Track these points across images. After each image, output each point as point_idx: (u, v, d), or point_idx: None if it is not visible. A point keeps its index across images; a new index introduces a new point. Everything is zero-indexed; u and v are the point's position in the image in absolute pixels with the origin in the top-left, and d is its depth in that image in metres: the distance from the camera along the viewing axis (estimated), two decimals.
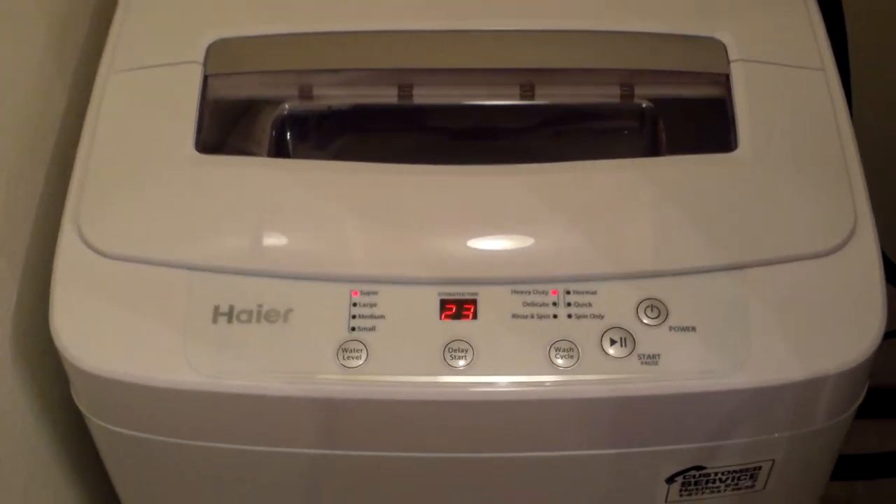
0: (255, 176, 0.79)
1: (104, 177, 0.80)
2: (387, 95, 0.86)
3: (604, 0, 0.88)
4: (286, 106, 0.85)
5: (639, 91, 0.86)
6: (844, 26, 0.94)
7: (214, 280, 0.75)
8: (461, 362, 0.73)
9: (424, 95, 0.86)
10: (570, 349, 0.73)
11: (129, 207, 0.78)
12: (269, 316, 0.74)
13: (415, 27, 0.87)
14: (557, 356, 0.73)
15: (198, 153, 0.80)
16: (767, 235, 0.77)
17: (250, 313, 0.75)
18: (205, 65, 0.85)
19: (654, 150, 0.85)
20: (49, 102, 0.87)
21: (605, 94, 0.86)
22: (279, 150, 0.85)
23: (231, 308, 0.75)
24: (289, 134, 0.87)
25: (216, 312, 0.75)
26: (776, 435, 0.77)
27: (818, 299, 0.75)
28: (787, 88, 0.84)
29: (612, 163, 0.79)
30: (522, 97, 0.86)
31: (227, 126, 0.83)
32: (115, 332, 0.75)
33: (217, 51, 0.86)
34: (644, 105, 0.85)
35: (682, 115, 0.85)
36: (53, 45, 0.87)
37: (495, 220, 0.77)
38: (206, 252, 0.76)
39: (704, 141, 0.83)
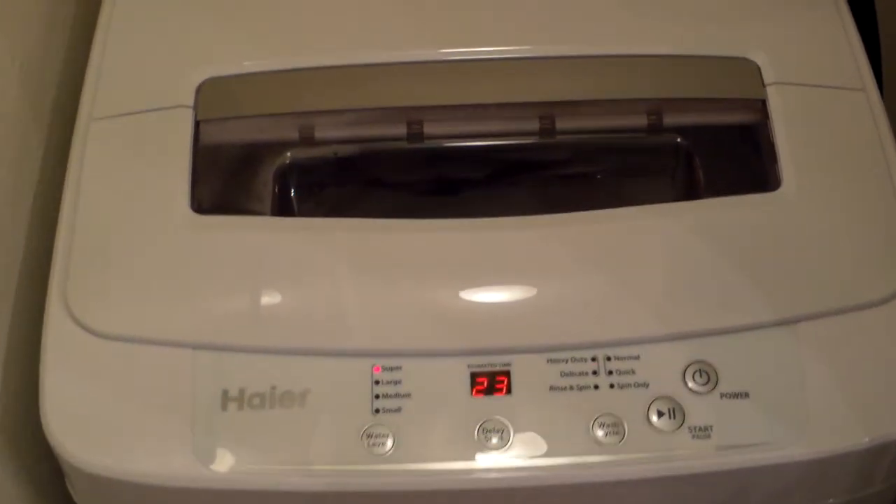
0: (259, 239, 0.72)
1: (92, 244, 0.72)
2: (396, 136, 0.78)
3: (624, 20, 0.81)
4: (288, 154, 0.77)
5: (667, 120, 0.79)
6: (879, 42, 0.87)
7: (221, 360, 0.69)
8: (496, 443, 0.67)
9: (437, 136, 0.78)
10: (615, 424, 0.67)
11: (122, 280, 0.71)
12: (284, 400, 0.68)
13: (423, 58, 0.80)
14: (601, 432, 0.67)
15: (194, 213, 0.73)
16: (819, 284, 0.71)
17: (263, 397, 0.68)
18: (195, 109, 0.77)
19: (690, 190, 0.78)
20: (26, 153, 0.79)
21: (631, 124, 0.79)
22: (283, 204, 0.78)
23: (241, 391, 0.68)
24: (293, 186, 0.79)
25: (225, 397, 0.68)
26: (831, 501, 0.72)
27: (877, 353, 0.70)
28: (828, 113, 0.78)
29: (647, 210, 0.73)
30: (542, 131, 0.79)
31: (224, 179, 0.76)
32: (112, 423, 0.68)
33: (208, 92, 0.78)
34: (678, 140, 0.78)
35: (718, 149, 0.78)
36: (28, 92, 0.79)
37: (525, 281, 0.71)
38: (211, 328, 0.69)
39: (744, 176, 0.77)
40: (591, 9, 0.81)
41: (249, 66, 0.80)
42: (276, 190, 0.76)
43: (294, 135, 0.79)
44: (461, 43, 0.80)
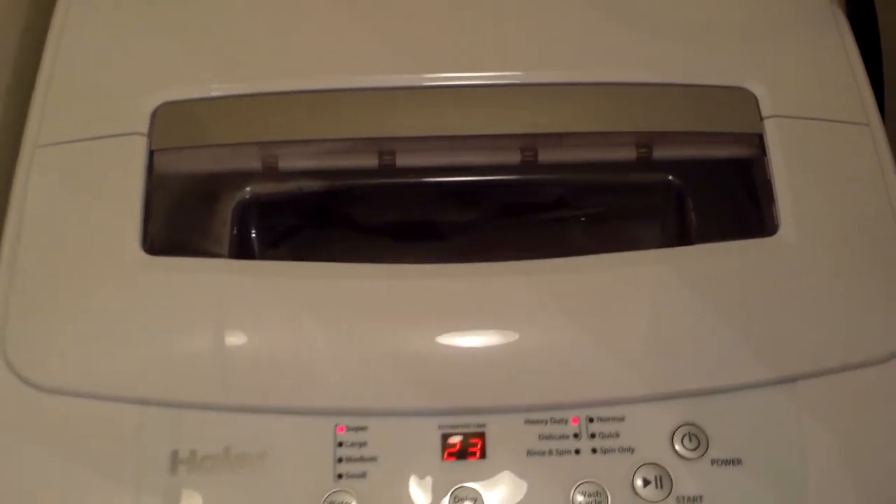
0: (216, 284, 0.66)
1: (33, 287, 0.67)
2: (366, 170, 0.73)
3: (613, 45, 0.75)
4: (248, 190, 0.72)
5: (657, 154, 0.73)
6: (882, 70, 0.82)
7: (171, 417, 0.63)
8: None
9: (410, 168, 0.73)
10: (597, 493, 0.62)
11: (65, 327, 0.65)
12: (240, 461, 0.62)
13: (396, 83, 0.74)
14: (582, 500, 0.62)
15: (145, 254, 0.67)
16: (819, 339, 0.66)
17: (216, 459, 0.63)
18: (150, 136, 0.71)
19: (681, 233, 0.73)
20: None
21: (619, 158, 0.74)
22: (242, 244, 0.72)
23: (193, 453, 0.63)
24: (254, 225, 0.73)
25: (175, 459, 0.63)
26: None
27: (884, 415, 0.64)
28: (829, 150, 0.73)
29: (634, 256, 0.68)
30: (524, 164, 0.73)
31: (179, 216, 0.70)
32: (49, 486, 0.62)
33: (164, 118, 0.72)
34: (669, 178, 0.73)
35: (711, 187, 0.73)
36: None
37: (502, 334, 0.65)
38: (160, 382, 0.64)
39: (739, 219, 0.72)
40: (578, 33, 0.76)
41: (210, 89, 0.74)
42: (236, 229, 0.70)
43: (257, 165, 0.73)
44: (438, 68, 0.75)
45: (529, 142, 0.74)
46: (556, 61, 0.75)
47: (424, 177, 0.73)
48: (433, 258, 0.68)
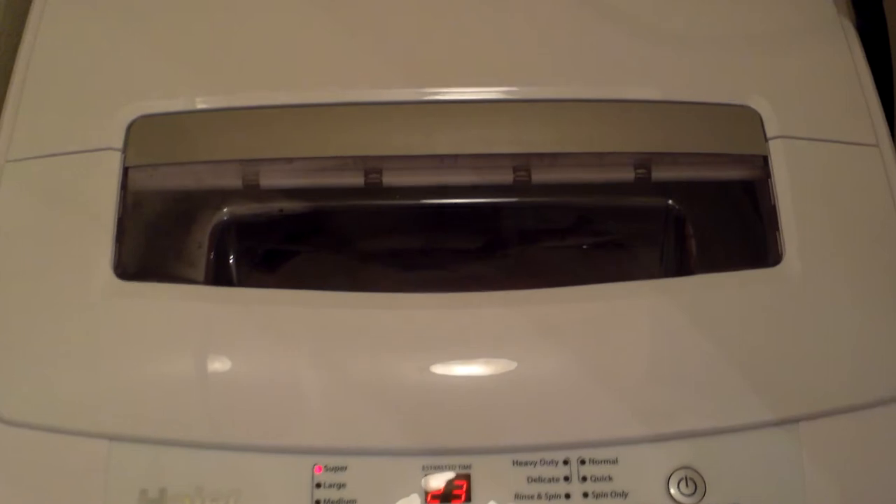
0: (190, 313, 0.63)
1: None
2: (351, 189, 0.69)
3: (611, 60, 0.72)
4: (226, 211, 0.68)
5: (656, 175, 0.70)
6: (893, 86, 0.78)
7: (141, 454, 0.61)
8: None
9: (397, 188, 0.69)
10: None
11: (32, 357, 0.63)
12: (212, 501, 0.59)
13: (384, 98, 0.70)
14: None
15: (117, 279, 0.64)
16: (823, 378, 0.63)
17: (187, 498, 0.59)
18: (124, 152, 0.68)
19: (679, 261, 0.69)
20: None
21: (616, 178, 0.70)
22: (220, 270, 0.69)
23: (162, 492, 0.60)
24: (232, 248, 0.70)
25: (143, 498, 0.60)
26: None
27: (889, 460, 0.61)
28: (837, 174, 0.69)
29: (629, 287, 0.65)
30: (516, 183, 0.69)
31: (154, 238, 0.67)
32: None
33: (140, 133, 0.69)
34: (668, 203, 0.69)
35: (712, 212, 0.70)
36: None
37: (489, 369, 0.62)
38: (130, 417, 0.61)
39: (741, 247, 0.68)
40: (573, 48, 0.72)
41: (189, 103, 0.70)
42: (213, 253, 0.67)
43: (237, 183, 0.69)
44: (427, 83, 0.71)
45: (523, 161, 0.70)
46: (550, 77, 0.72)
47: (412, 197, 0.70)
48: (419, 285, 0.65)
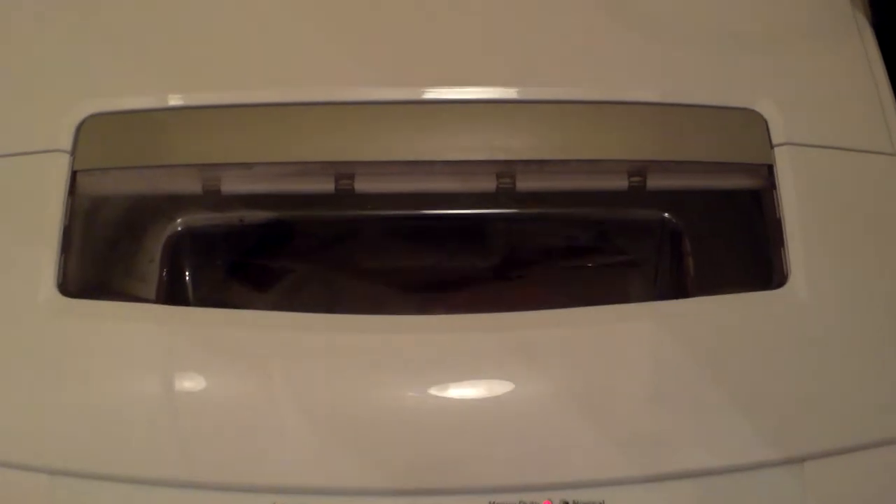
0: (140, 335, 0.59)
1: None
2: (321, 197, 0.64)
3: (606, 58, 0.66)
4: (182, 221, 0.63)
5: (652, 183, 0.65)
6: None
7: (84, 489, 0.56)
8: None
9: (370, 194, 0.64)
10: None
11: None
12: None
13: (358, 97, 0.65)
14: None
15: (61, 296, 0.59)
16: (831, 415, 0.59)
17: None
18: (73, 154, 0.63)
19: (675, 281, 0.64)
20: None
21: (609, 186, 0.65)
22: (174, 286, 0.63)
23: None
24: (187, 262, 0.65)
25: None
26: None
27: None
28: (850, 185, 0.65)
29: (621, 311, 0.60)
30: (500, 191, 0.64)
31: (103, 251, 0.63)
32: None
33: (90, 133, 0.64)
34: (664, 216, 0.64)
35: (711, 226, 0.65)
36: None
37: (466, 400, 0.58)
38: (73, 449, 0.57)
39: (743, 265, 0.63)
40: (565, 44, 0.67)
41: (145, 101, 0.65)
42: (167, 268, 0.61)
43: (196, 188, 0.64)
44: (404, 82, 0.66)
45: (507, 167, 0.64)
46: (539, 76, 0.67)
47: (385, 206, 0.65)
48: (391, 305, 0.59)
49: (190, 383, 0.57)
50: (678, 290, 0.64)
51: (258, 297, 0.66)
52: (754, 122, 0.66)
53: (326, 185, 0.65)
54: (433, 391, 0.57)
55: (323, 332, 0.58)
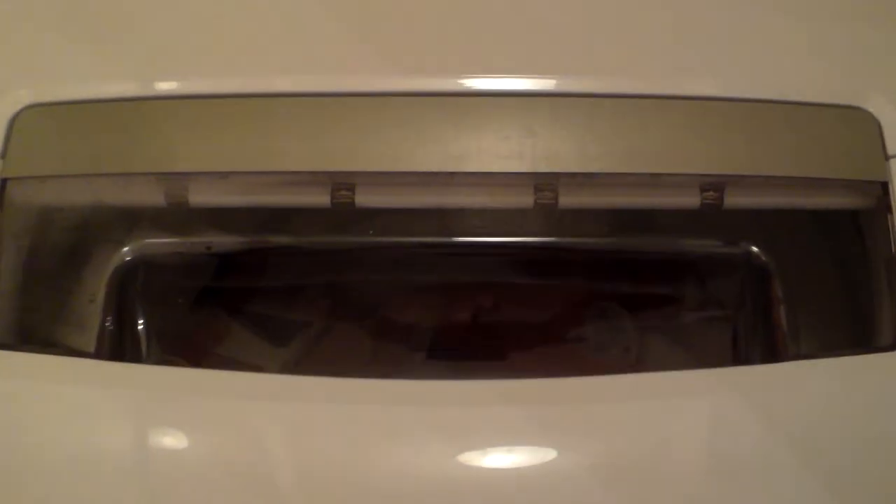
0: (72, 400, 0.47)
1: None
2: (313, 204, 0.53)
3: (673, 43, 0.54)
4: (129, 249, 0.50)
5: (730, 201, 0.52)
6: None
7: None
8: None
9: (372, 207, 0.53)
10: None
11: None
12: None
13: (361, 87, 0.53)
14: None
15: None
16: None
17: None
18: (3, 157, 0.52)
19: (762, 333, 0.51)
20: None
21: (675, 203, 0.52)
22: (121, 333, 0.51)
23: None
24: (138, 302, 0.52)
25: None
26: None
27: None
28: None
29: (692, 379, 0.49)
30: (539, 208, 0.52)
31: (33, 288, 0.51)
32: None
33: (26, 130, 0.53)
34: (752, 250, 0.51)
35: (808, 265, 0.52)
36: None
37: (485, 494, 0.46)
38: None
39: (848, 315, 0.50)
40: (619, 25, 0.55)
41: (94, 89, 0.53)
42: (112, 311, 0.49)
43: (158, 200, 0.51)
44: (419, 67, 0.54)
45: (547, 178, 0.51)
46: (587, 64, 0.54)
47: (394, 228, 0.52)
48: (391, 364, 0.48)
49: (136, 461, 0.46)
50: (766, 347, 0.51)
51: (229, 349, 0.53)
52: (864, 125, 0.53)
53: (321, 198, 0.52)
54: (440, 477, 0.46)
55: (311, 402, 0.47)
